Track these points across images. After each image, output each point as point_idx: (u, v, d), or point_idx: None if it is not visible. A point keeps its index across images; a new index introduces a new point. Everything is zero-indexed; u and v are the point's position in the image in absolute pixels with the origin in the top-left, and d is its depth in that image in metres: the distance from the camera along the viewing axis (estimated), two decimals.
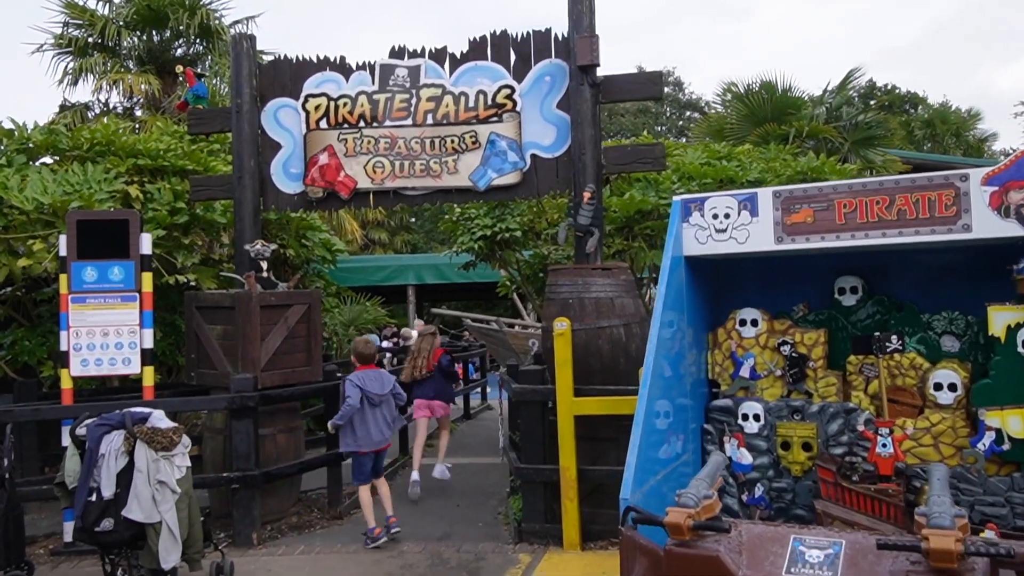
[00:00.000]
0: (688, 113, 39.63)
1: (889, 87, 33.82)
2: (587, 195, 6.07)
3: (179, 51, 15.39)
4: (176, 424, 4.70)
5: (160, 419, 4.64)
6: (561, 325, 5.59)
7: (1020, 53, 63.34)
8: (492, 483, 8.03)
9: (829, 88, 13.27)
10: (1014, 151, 3.73)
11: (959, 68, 63.77)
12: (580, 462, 5.60)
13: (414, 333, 8.84)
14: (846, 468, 4.02)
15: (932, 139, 26.74)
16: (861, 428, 4.11)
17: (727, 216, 4.39)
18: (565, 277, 6.00)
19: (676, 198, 4.53)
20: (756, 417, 4.56)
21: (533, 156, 6.53)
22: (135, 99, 14.83)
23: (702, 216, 4.44)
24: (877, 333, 4.20)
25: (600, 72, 6.31)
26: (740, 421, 4.60)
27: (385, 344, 15.28)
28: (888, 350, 4.13)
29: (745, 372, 4.73)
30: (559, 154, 6.49)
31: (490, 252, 9.67)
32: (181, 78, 14.74)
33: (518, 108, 6.52)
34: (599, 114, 6.39)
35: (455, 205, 9.72)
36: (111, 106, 14.86)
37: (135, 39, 14.89)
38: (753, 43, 64.03)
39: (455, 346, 20.81)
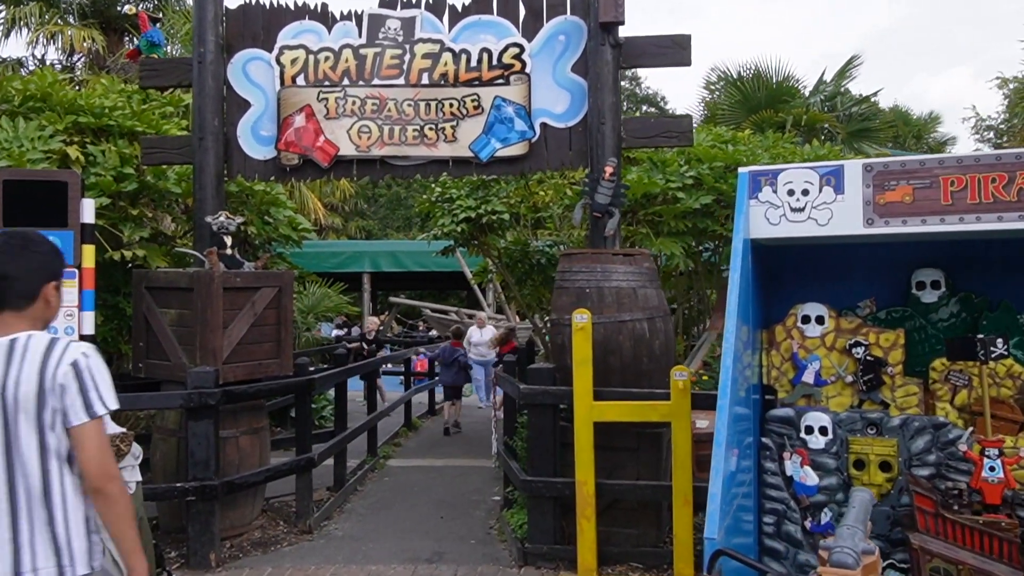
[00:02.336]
0: (645, 108, 39.33)
1: (843, 90, 34.01)
2: (608, 170, 5.33)
3: (126, 7, 14.06)
4: (124, 430, 3.80)
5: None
6: (581, 318, 4.86)
7: (951, 64, 65.58)
8: (474, 489, 7.31)
9: (826, 77, 12.79)
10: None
11: (894, 77, 65.73)
12: (596, 475, 4.89)
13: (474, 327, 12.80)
14: (949, 496, 3.37)
15: (894, 140, 26.76)
16: (963, 447, 3.47)
17: (805, 192, 3.69)
18: (581, 263, 5.25)
19: (743, 170, 3.85)
20: (823, 430, 3.89)
21: (543, 125, 5.76)
22: (76, 56, 13.49)
23: (774, 192, 3.74)
24: (981, 336, 3.55)
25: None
26: (803, 434, 3.94)
27: (335, 333, 15.18)
28: (995, 355, 3.50)
29: (808, 377, 4.06)
30: (573, 123, 5.73)
31: (471, 237, 8.88)
32: (127, 38, 13.71)
33: (527, 70, 5.73)
34: (620, 80, 5.66)
35: (434, 184, 8.92)
36: (48, 63, 13.47)
37: None
38: (697, 45, 64.94)
39: (411, 336, 20.07)
